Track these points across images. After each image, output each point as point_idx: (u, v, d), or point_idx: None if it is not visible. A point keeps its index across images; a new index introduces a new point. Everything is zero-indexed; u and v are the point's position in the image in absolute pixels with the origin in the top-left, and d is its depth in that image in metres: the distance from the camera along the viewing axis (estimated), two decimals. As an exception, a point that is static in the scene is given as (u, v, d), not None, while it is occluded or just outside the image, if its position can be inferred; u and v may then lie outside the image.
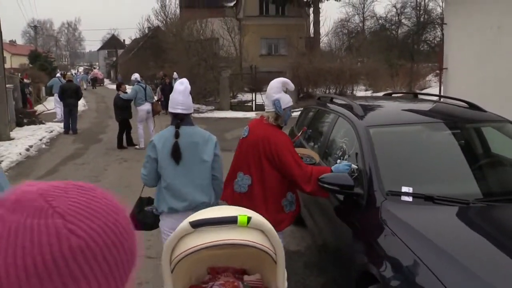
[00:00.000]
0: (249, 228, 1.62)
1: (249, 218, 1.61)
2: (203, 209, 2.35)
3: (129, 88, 11.35)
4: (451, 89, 7.16)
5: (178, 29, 21.69)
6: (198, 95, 19.79)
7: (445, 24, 7.44)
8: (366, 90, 22.28)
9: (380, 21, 37.71)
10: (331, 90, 18.14)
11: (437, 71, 28.42)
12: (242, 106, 18.71)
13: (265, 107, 3.29)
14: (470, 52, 6.76)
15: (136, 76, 10.72)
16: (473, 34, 6.61)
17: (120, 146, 10.53)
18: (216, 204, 3.14)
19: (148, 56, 30.65)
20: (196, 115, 17.56)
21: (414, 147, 3.40)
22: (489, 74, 6.27)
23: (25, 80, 18.29)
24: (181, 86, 3.11)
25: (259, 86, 18.60)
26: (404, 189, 2.75)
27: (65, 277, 0.57)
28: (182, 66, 19.04)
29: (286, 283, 1.71)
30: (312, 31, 30.45)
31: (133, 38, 48.73)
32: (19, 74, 21.16)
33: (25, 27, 72.22)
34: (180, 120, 3.06)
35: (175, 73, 16.95)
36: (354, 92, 19.75)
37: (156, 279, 3.98)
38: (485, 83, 6.16)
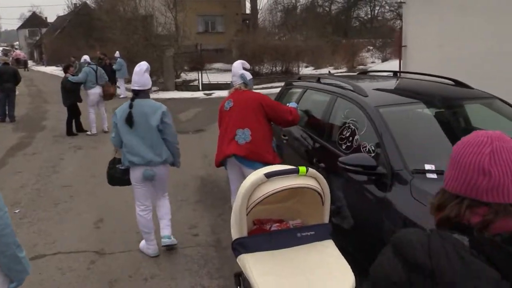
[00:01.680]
0: (307, 176, 2.25)
1: (307, 169, 2.23)
2: (154, 164, 3.87)
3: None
4: (410, 67, 7.44)
5: (113, 4, 20.47)
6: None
7: (404, 2, 7.67)
8: (306, 67, 22.67)
9: (313, -3, 38.18)
10: (277, 68, 18.19)
11: (369, 47, 29.62)
12: (187, 86, 18.25)
13: (233, 83, 4.25)
14: (431, 31, 7.07)
15: (85, 57, 10.04)
16: (434, 13, 6.90)
17: (69, 133, 9.87)
18: (173, 160, 4.08)
19: (79, 35, 28.71)
20: (140, 96, 16.89)
21: (423, 125, 3.51)
22: (450, 53, 6.60)
23: None
24: (137, 68, 3.98)
25: (203, 64, 18.27)
26: (427, 166, 2.83)
27: None
28: (119, 46, 18.04)
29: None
30: (249, 7, 30.25)
31: (58, 15, 45.26)
32: None
33: None
34: (135, 94, 3.95)
35: (117, 52, 16.05)
36: (300, 69, 19.97)
37: (163, 272, 3.82)
38: (446, 62, 6.46)
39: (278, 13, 37.58)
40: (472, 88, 4.01)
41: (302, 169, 2.23)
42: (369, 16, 38.07)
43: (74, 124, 9.97)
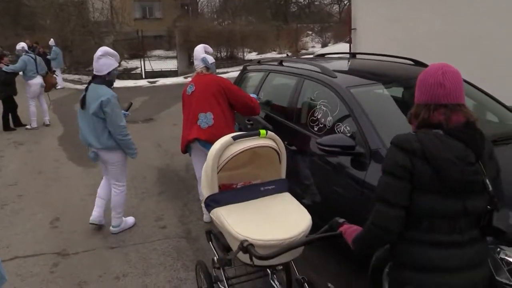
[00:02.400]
0: (266, 138, 2.64)
1: (266, 132, 2.64)
2: (95, 148, 4.02)
3: None
4: (360, 49, 7.57)
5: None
6: (77, 65, 17.96)
7: (352, -15, 7.77)
8: (250, 52, 22.56)
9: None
10: (221, 54, 17.94)
11: (308, 32, 30.05)
12: (129, 74, 17.53)
13: (195, 67, 4.23)
14: (380, 13, 7.20)
15: (22, 45, 9.23)
16: (382, -5, 7.05)
17: (6, 127, 9.12)
18: (123, 150, 4.08)
19: (6, 23, 26.52)
20: (79, 86, 16.00)
21: (393, 104, 3.55)
22: (398, 35, 6.77)
23: None
24: (95, 54, 4.01)
25: (145, 52, 17.61)
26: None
27: None
28: (52, 34, 16.88)
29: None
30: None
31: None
32: None
33: None
34: (92, 79, 4.06)
35: (52, 40, 15.02)
36: (245, 54, 19.82)
37: (135, 269, 3.63)
38: (394, 43, 6.63)
39: (216, -1, 37.05)
40: (431, 67, 4.13)
41: (262, 132, 2.64)
42: (307, 1, 38.55)
43: (11, 118, 9.24)
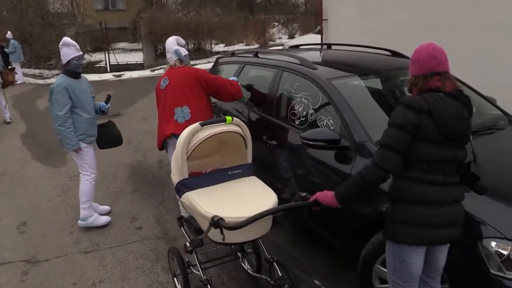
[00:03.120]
0: (232, 124, 2.79)
1: (232, 118, 2.78)
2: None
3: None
4: (332, 40, 7.51)
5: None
6: (37, 58, 17.15)
7: (323, -24, 7.69)
8: (217, 44, 22.23)
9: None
10: (189, 46, 17.57)
11: (274, 23, 29.93)
12: (93, 67, 16.92)
13: (168, 60, 4.04)
14: (352, 4, 7.16)
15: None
16: (353, -15, 7.00)
17: (-37, 127, 8.61)
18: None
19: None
20: (41, 81, 15.33)
21: (375, 96, 3.50)
22: (371, 26, 6.74)
23: None
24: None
25: (109, 44, 17.00)
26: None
27: None
28: (9, 26, 16.03)
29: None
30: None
31: None
32: None
33: None
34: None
35: (9, 32, 14.25)
36: (212, 46, 19.50)
37: (112, 274, 3.45)
38: (366, 34, 6.59)
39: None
40: (409, 58, 4.11)
41: (229, 118, 2.77)
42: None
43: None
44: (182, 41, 4.17)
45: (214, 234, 2.42)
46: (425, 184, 2.03)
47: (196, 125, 2.70)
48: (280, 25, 30.26)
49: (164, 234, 4.06)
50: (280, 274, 2.71)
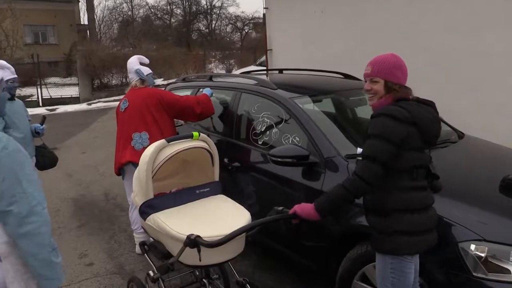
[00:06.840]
0: (199, 140, 2.66)
1: (199, 134, 2.67)
2: None
3: None
4: (277, 67, 7.71)
5: None
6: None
7: (267, 8, 7.91)
8: (155, 78, 21.95)
9: (152, 10, 37.58)
10: (127, 79, 17.19)
11: (211, 59, 30.40)
12: (24, 102, 15.86)
13: (130, 80, 3.90)
14: (294, 34, 7.40)
15: None
16: (297, 18, 7.24)
17: None
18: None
19: None
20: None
21: (336, 114, 3.55)
22: (313, 54, 7.00)
23: None
24: None
25: (41, 78, 16.20)
26: (359, 150, 2.85)
27: None
28: None
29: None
30: (86, 17, 28.17)
31: None
32: None
33: None
34: None
35: None
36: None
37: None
38: (308, 62, 6.82)
39: (114, 25, 35.89)
40: (360, 80, 4.26)
41: (196, 134, 2.66)
42: (208, 29, 39.13)
43: None
44: (146, 60, 4.01)
45: (188, 256, 2.23)
46: (417, 191, 2.02)
47: (162, 141, 2.55)
48: (217, 61, 30.73)
49: (119, 269, 3.75)
50: None
